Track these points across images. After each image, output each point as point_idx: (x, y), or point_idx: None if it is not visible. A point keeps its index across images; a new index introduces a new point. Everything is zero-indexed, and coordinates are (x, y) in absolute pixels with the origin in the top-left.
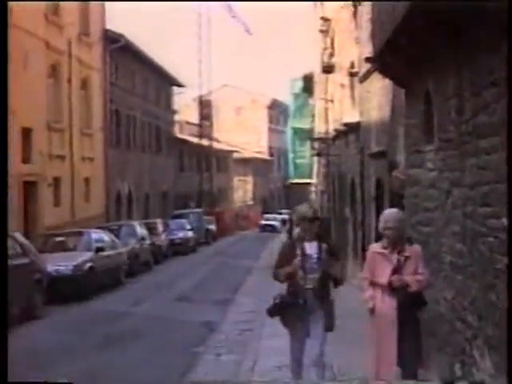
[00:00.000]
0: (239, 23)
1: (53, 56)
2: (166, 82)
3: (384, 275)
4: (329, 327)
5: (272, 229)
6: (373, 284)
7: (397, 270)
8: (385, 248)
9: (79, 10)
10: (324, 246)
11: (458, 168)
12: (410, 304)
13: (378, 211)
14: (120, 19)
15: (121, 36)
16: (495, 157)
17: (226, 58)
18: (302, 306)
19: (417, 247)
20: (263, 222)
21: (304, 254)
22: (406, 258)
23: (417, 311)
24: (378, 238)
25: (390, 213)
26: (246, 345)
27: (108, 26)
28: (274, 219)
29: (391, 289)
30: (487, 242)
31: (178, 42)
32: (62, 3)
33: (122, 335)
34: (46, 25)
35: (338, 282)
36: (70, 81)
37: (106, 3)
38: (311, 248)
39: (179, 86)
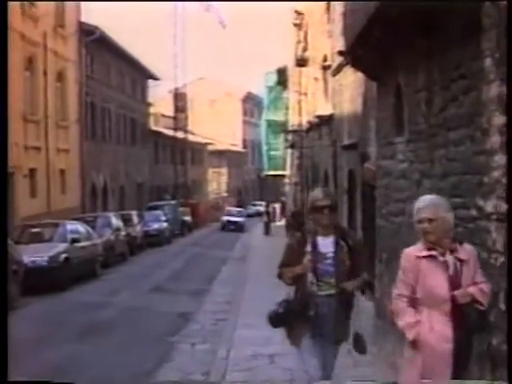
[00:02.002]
0: (214, 16)
1: (28, 48)
2: (141, 74)
3: (439, 287)
4: (359, 349)
5: (236, 227)
6: (413, 303)
7: (455, 280)
8: (430, 249)
9: (54, 2)
10: (342, 242)
11: (428, 159)
12: (473, 328)
13: (351, 202)
14: (95, 12)
15: (96, 28)
16: (463, 148)
17: (201, 51)
18: (312, 319)
19: (470, 247)
20: (225, 218)
21: (316, 252)
22: (462, 261)
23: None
24: (350, 229)
25: (423, 199)
26: (220, 334)
27: (83, 19)
28: (239, 214)
29: (453, 308)
30: (457, 233)
31: (153, 35)
32: None
33: (98, 326)
34: (21, 17)
35: (364, 287)
36: (45, 73)
37: None
38: (326, 244)
39: (154, 78)
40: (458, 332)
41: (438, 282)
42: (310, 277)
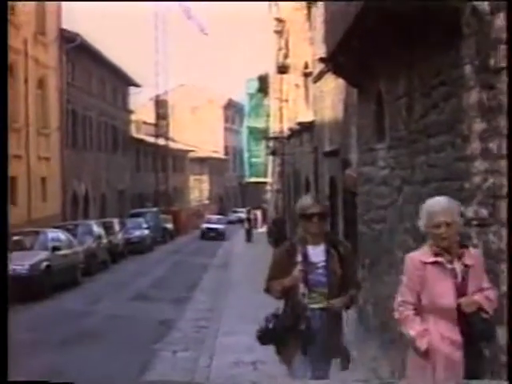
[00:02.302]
0: (195, 23)
1: (9, 55)
2: (122, 81)
3: (445, 296)
4: (343, 364)
5: (216, 235)
6: (418, 312)
7: (461, 288)
8: (437, 255)
9: (35, 9)
10: (333, 251)
11: (409, 166)
12: (479, 337)
13: (332, 209)
14: (76, 19)
15: (77, 35)
16: (444, 155)
17: (183, 58)
18: (304, 333)
19: (476, 251)
20: (205, 226)
21: (307, 262)
22: (468, 267)
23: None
24: None
25: (439, 202)
26: (202, 342)
27: (64, 26)
28: (219, 222)
29: (459, 316)
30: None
31: (134, 42)
32: (17, 2)
33: (80, 334)
34: None
35: (351, 303)
36: (26, 80)
37: (62, 3)
38: (317, 254)
39: (136, 85)
40: (466, 339)
41: (444, 290)
42: (302, 288)
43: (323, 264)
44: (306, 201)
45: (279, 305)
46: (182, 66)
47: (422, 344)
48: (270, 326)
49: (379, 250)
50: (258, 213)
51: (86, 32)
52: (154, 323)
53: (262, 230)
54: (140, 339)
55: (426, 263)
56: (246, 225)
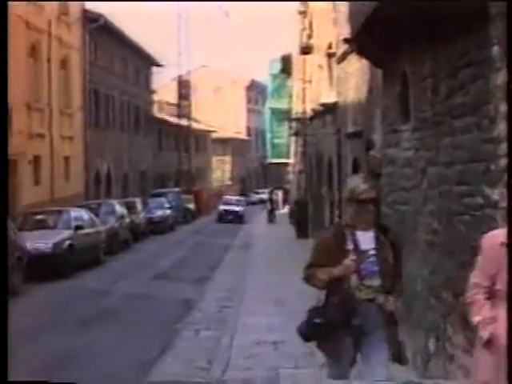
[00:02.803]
0: (217, 5)
1: (33, 35)
2: (145, 61)
3: None
4: (400, 361)
5: (234, 217)
6: (491, 295)
7: None
8: None
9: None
10: (383, 237)
11: (434, 147)
12: None
13: None
14: None
15: (100, 16)
16: (470, 136)
17: (206, 38)
18: (357, 329)
19: None
20: (222, 208)
21: (358, 250)
22: None
23: None
24: None
25: None
26: (224, 322)
27: (87, 6)
28: (237, 203)
29: None
30: (462, 220)
31: (157, 22)
32: None
33: (102, 313)
34: (26, 3)
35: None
36: (49, 60)
37: None
38: (366, 241)
39: (158, 65)
40: None
41: None
42: (354, 279)
43: (373, 252)
44: (360, 184)
45: (320, 296)
46: (205, 46)
47: (485, 333)
48: (317, 320)
49: (403, 232)
50: (280, 193)
51: (109, 12)
52: (176, 303)
53: (284, 211)
54: (161, 319)
55: (505, 244)
56: (269, 205)
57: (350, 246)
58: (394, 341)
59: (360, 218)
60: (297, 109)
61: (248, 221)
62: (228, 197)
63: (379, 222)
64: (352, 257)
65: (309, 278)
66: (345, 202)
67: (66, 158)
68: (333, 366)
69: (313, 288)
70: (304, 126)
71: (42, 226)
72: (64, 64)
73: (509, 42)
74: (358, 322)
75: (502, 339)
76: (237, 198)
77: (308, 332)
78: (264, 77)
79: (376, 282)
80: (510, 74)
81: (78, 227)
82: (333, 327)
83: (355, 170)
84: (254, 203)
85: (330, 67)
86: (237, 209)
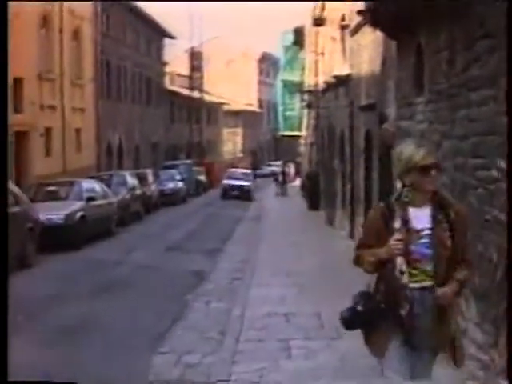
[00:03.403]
0: None
1: (44, 6)
2: (157, 33)
3: None
4: (454, 360)
5: (241, 193)
6: None
7: None
8: None
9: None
10: (441, 215)
11: (449, 120)
12: None
13: (367, 163)
14: None
15: None
16: (486, 109)
17: (217, 9)
18: (405, 320)
19: None
20: (226, 182)
21: (408, 229)
22: None
23: None
24: (367, 190)
25: None
26: (235, 293)
27: None
28: (244, 177)
29: None
30: (476, 194)
31: None
32: None
33: (113, 284)
34: None
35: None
36: (61, 31)
37: None
38: (420, 218)
39: (170, 37)
40: None
41: None
42: (400, 263)
43: (428, 232)
44: (417, 150)
45: (370, 282)
46: (217, 17)
47: None
48: (360, 308)
49: None
50: (292, 166)
51: None
52: (187, 274)
53: (296, 183)
54: (173, 290)
55: None
56: (281, 178)
57: (397, 224)
58: (448, 338)
59: (421, 189)
60: (309, 81)
61: (259, 193)
62: (233, 169)
63: (439, 195)
64: (397, 236)
65: (357, 261)
66: (398, 175)
67: (78, 130)
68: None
69: (325, 260)
70: (316, 99)
71: (54, 197)
72: (76, 35)
73: (509, 42)
74: (404, 312)
75: None
76: (243, 170)
77: (349, 319)
78: (276, 49)
79: (429, 267)
80: (510, 73)
81: (89, 198)
82: (377, 316)
83: (368, 142)
84: (266, 176)
85: (343, 39)
86: (243, 183)
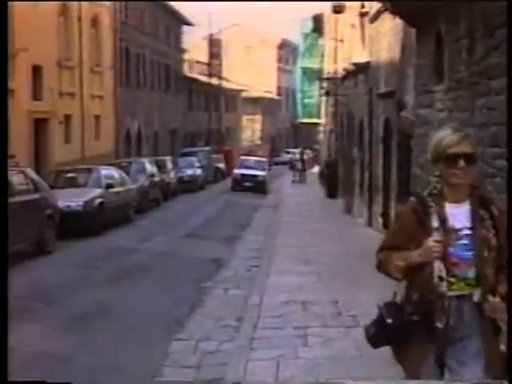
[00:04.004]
0: None
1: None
2: (175, 20)
3: None
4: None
5: (254, 185)
6: None
7: None
8: None
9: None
10: (483, 212)
11: (468, 108)
12: None
13: (386, 151)
14: None
15: None
16: (505, 97)
17: None
18: (441, 333)
19: None
20: (238, 172)
21: (446, 229)
22: None
23: None
24: (385, 178)
25: None
26: (253, 281)
27: None
28: (258, 166)
29: None
30: (494, 183)
31: None
32: None
33: (132, 270)
34: None
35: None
36: (80, 19)
37: None
38: (459, 216)
39: (189, 24)
40: None
41: None
42: (438, 268)
43: (468, 232)
44: (450, 135)
45: (398, 290)
46: (236, 4)
47: None
48: (389, 320)
49: None
50: (310, 153)
51: None
52: (206, 261)
53: (314, 170)
54: (191, 277)
55: None
56: (299, 165)
57: (435, 223)
58: (494, 356)
59: (451, 183)
60: (328, 68)
61: (278, 180)
62: (245, 157)
63: (479, 190)
64: (435, 237)
65: (382, 265)
66: (430, 163)
67: (97, 117)
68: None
69: (342, 248)
70: (335, 86)
71: (73, 184)
72: (95, 23)
73: (509, 42)
74: (441, 324)
75: None
76: (257, 158)
77: (375, 335)
78: (295, 36)
79: (471, 272)
80: (509, 72)
81: (108, 185)
82: (408, 329)
83: (386, 130)
84: (285, 163)
85: (362, 26)
86: (257, 173)
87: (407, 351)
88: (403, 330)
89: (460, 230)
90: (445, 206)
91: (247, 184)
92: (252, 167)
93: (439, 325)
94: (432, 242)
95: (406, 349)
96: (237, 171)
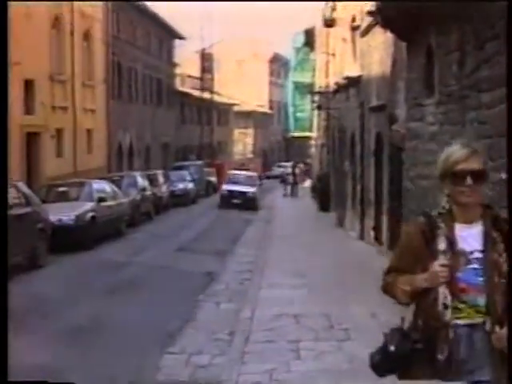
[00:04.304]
0: None
1: (55, 7)
2: (167, 34)
3: None
4: None
5: (243, 202)
6: None
7: None
8: None
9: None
10: (495, 234)
11: (459, 121)
12: None
13: (377, 165)
14: None
15: None
16: (496, 111)
17: (228, 10)
18: (444, 365)
19: None
20: (226, 188)
21: (455, 252)
22: None
23: None
24: (377, 192)
25: None
26: (245, 294)
27: None
28: (247, 182)
29: None
30: (486, 196)
31: None
32: None
33: (124, 284)
34: None
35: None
36: (72, 32)
37: None
38: (470, 238)
39: (181, 38)
40: None
41: None
42: (443, 294)
43: (479, 256)
44: (458, 151)
45: (405, 315)
46: (228, 19)
47: None
48: (392, 347)
49: (424, 207)
50: (302, 167)
51: None
52: (197, 275)
53: (306, 184)
54: (183, 290)
55: None
56: (291, 179)
57: (442, 246)
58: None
59: (459, 201)
60: (320, 82)
61: (270, 195)
62: (234, 172)
63: (490, 208)
64: (442, 261)
65: (388, 288)
66: (439, 180)
67: (89, 131)
68: None
69: (334, 261)
70: (327, 100)
71: (64, 198)
72: (87, 36)
73: (509, 41)
74: (443, 356)
75: None
76: (247, 173)
77: (381, 363)
78: (287, 50)
79: (481, 299)
80: (509, 72)
81: (100, 199)
82: (411, 357)
83: (378, 143)
84: (276, 177)
85: (353, 40)
86: (246, 190)
87: (410, 381)
88: (405, 358)
89: (470, 253)
90: (454, 226)
91: (235, 201)
92: (241, 183)
93: (440, 356)
94: (438, 266)
95: (409, 377)
96: (224, 187)
